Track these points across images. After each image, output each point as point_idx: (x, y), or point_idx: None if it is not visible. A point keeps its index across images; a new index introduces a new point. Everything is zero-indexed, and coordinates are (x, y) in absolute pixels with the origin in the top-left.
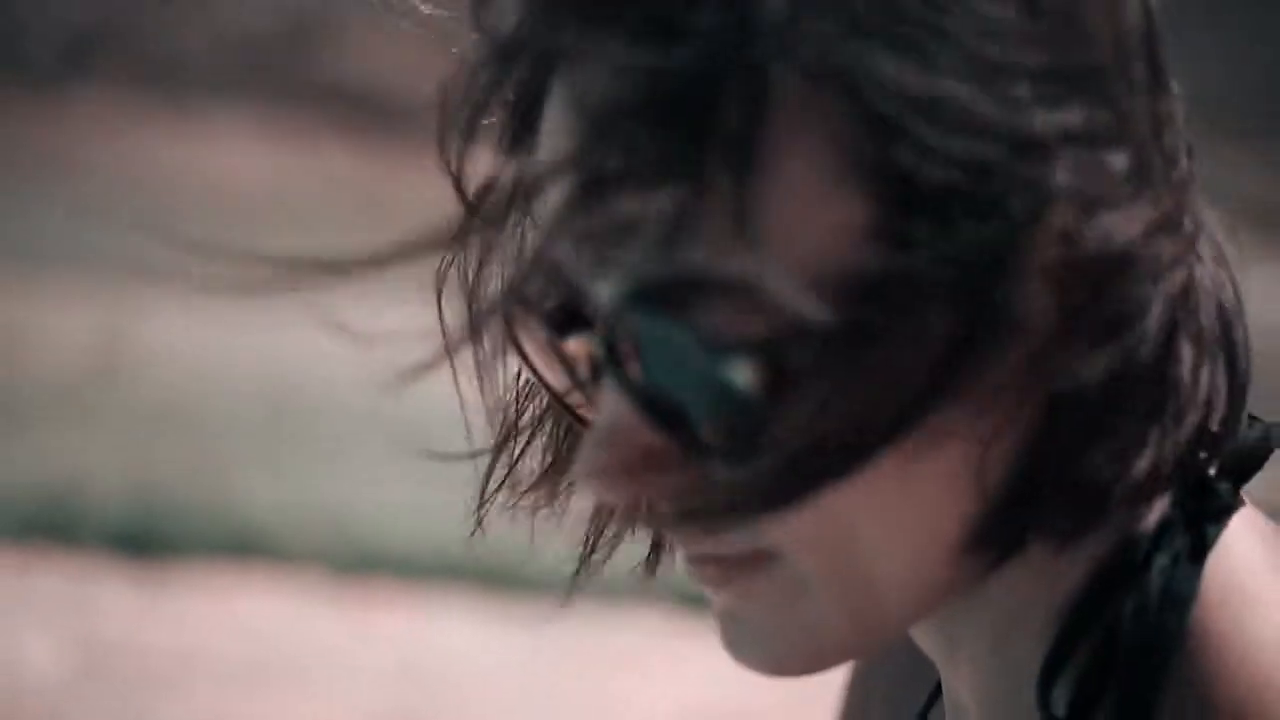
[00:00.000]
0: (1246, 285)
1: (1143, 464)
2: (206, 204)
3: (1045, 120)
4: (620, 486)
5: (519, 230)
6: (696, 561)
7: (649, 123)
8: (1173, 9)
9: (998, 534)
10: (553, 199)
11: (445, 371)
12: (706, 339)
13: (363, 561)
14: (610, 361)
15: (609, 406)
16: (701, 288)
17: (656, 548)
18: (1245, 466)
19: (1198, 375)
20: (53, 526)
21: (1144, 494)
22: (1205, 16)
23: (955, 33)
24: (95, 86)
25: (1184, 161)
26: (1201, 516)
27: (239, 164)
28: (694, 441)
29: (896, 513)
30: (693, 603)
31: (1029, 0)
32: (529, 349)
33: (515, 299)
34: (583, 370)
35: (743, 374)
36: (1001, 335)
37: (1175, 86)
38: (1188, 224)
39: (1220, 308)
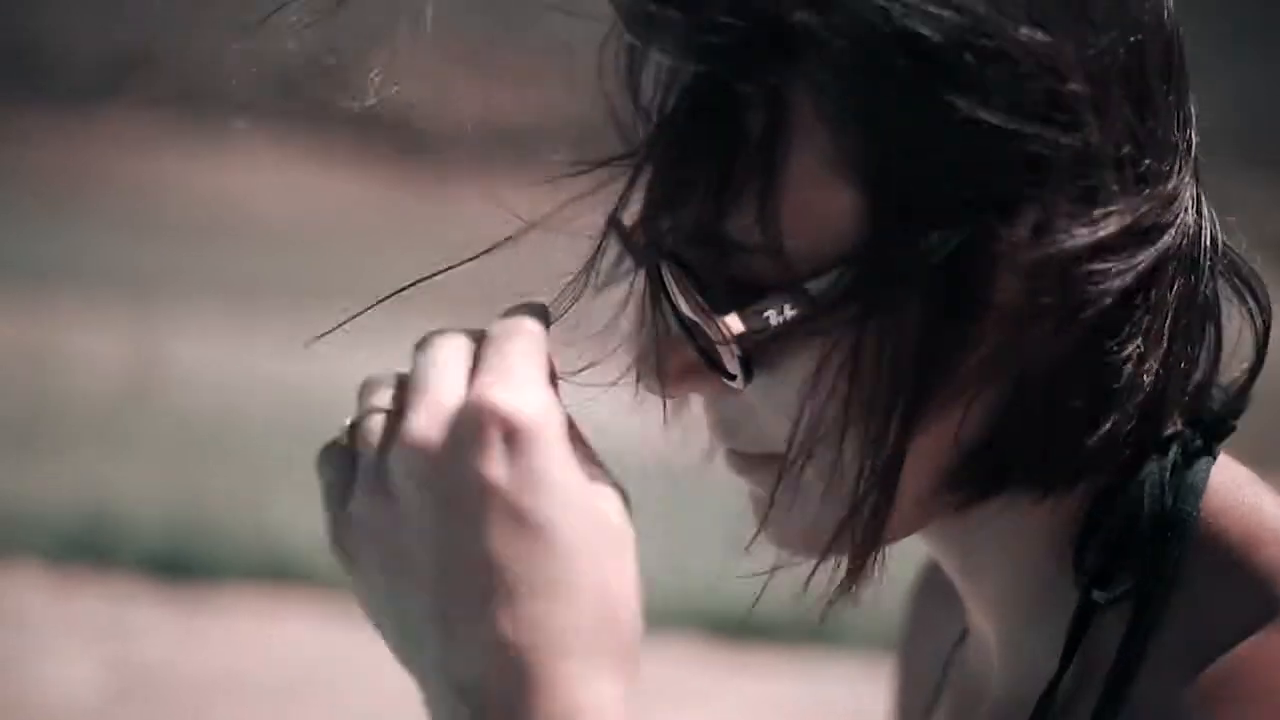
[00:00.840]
0: None
1: (1096, 436)
2: (236, 226)
3: (1014, 144)
4: (665, 388)
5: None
6: (728, 454)
7: (698, 127)
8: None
9: (969, 483)
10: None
11: None
12: (727, 286)
13: None
14: (661, 290)
15: (660, 326)
16: (727, 248)
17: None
18: (1234, 411)
19: (1145, 363)
20: (89, 549)
21: (1102, 459)
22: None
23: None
24: (127, 108)
25: (1171, 177)
26: (1208, 435)
27: (269, 187)
28: (712, 363)
29: None
30: (723, 633)
31: (1008, 40)
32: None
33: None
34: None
35: (747, 318)
36: (972, 317)
37: (1174, 109)
38: (1167, 235)
39: (1197, 302)
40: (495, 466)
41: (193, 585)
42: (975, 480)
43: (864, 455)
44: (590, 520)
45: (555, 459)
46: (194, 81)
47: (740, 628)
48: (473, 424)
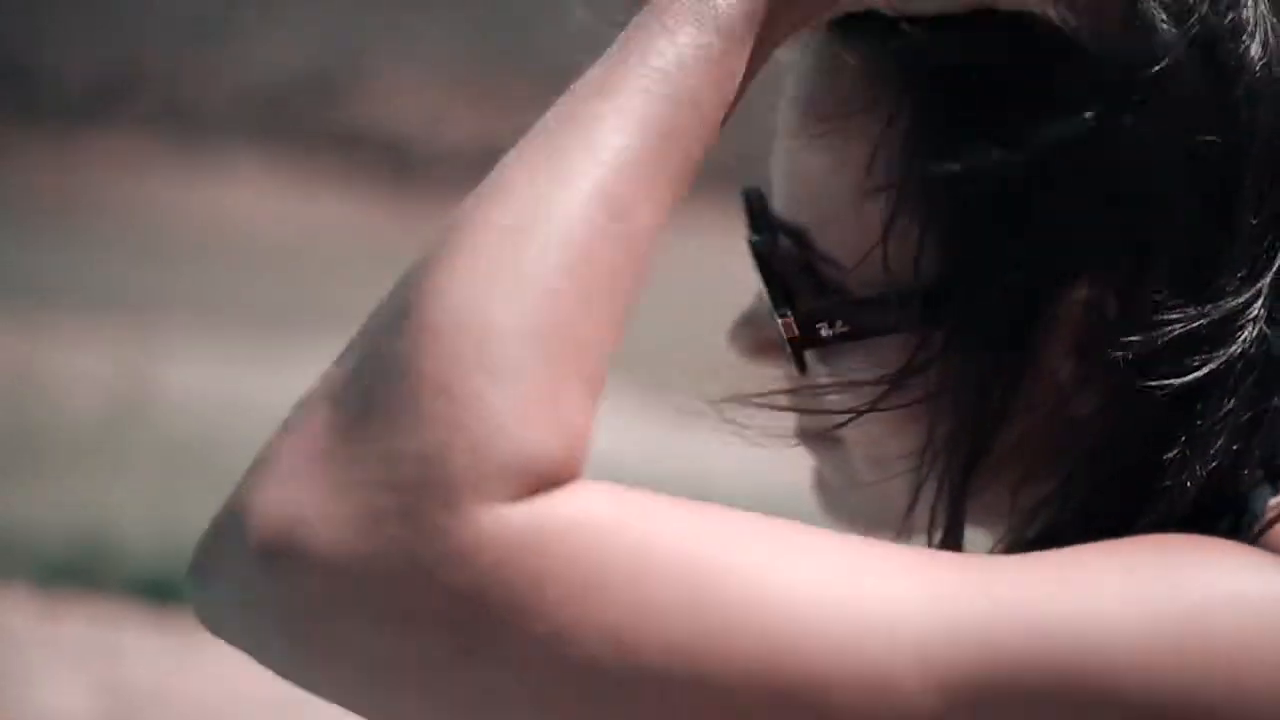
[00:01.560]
0: None
1: (1138, 520)
2: (226, 249)
3: (1075, 224)
4: (748, 355)
5: None
6: (796, 426)
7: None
8: None
9: (1016, 529)
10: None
11: None
12: (799, 285)
13: None
14: (761, 275)
15: (756, 304)
16: (812, 254)
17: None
18: None
19: (1186, 470)
20: (79, 572)
21: (1151, 524)
22: None
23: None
24: (115, 130)
25: (1240, 294)
26: (1272, 474)
27: (258, 209)
28: (788, 348)
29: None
30: None
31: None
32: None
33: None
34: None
35: (802, 322)
36: (1012, 371)
37: (1264, 225)
38: (1225, 350)
39: (1259, 413)
40: None
41: (183, 609)
42: (1022, 528)
43: (910, 465)
44: None
45: None
46: (183, 104)
47: None
48: None
